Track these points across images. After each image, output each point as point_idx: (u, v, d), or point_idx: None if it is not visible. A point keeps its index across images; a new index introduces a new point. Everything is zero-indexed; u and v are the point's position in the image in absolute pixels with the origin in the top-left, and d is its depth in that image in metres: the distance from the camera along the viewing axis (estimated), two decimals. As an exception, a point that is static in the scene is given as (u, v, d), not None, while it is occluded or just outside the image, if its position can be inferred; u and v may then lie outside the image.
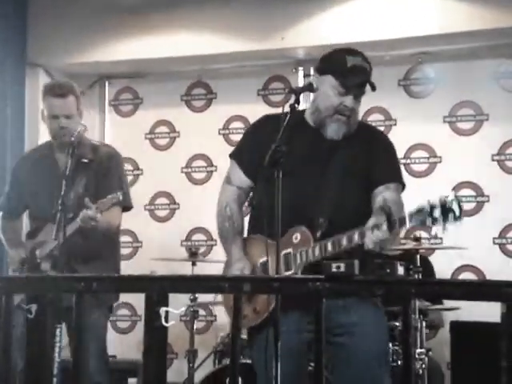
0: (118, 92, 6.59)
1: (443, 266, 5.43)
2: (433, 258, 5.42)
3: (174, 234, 6.25)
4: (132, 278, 2.52)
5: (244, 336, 3.25)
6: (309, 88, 3.11)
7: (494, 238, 5.60)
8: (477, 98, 5.72)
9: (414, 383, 4.22)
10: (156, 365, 2.38)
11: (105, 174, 4.02)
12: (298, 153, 3.11)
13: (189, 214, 6.24)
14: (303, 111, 3.25)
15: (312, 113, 3.22)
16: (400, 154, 3.60)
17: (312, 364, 2.42)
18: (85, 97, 6.10)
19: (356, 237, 2.91)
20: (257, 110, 3.51)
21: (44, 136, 4.20)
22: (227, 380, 4.15)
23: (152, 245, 6.26)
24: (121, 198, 3.75)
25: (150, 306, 2.35)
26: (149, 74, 6.43)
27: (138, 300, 4.18)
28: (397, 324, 4.52)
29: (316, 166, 3.16)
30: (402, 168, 3.43)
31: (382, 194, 3.08)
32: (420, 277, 4.60)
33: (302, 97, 3.04)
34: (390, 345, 4.34)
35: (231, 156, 3.36)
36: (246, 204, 3.34)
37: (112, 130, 6.51)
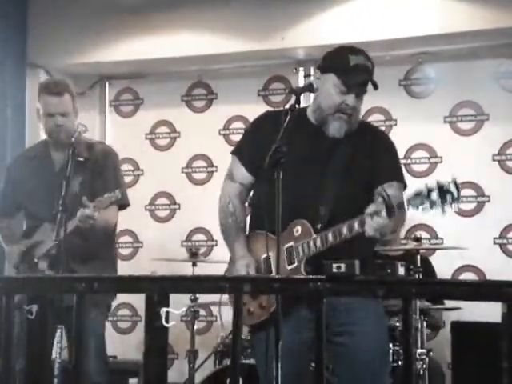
0: (118, 92, 6.58)
1: (444, 267, 5.42)
2: (433, 259, 5.41)
3: (175, 234, 6.25)
4: (132, 278, 2.51)
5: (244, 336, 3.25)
6: (309, 88, 3.11)
7: (495, 238, 5.59)
8: (477, 98, 5.71)
9: (415, 383, 4.23)
10: (157, 365, 2.38)
11: (100, 172, 4.01)
12: (299, 151, 3.12)
13: (189, 214, 6.24)
14: (305, 109, 3.25)
15: (314, 111, 3.22)
16: (400, 154, 3.60)
17: (313, 364, 2.42)
18: (85, 97, 6.12)
19: (356, 225, 2.92)
20: (257, 111, 3.50)
21: (44, 136, 4.18)
22: (228, 380, 4.15)
23: (152, 245, 6.25)
24: (119, 196, 3.75)
25: (151, 306, 2.35)
26: (149, 75, 6.42)
27: (138, 300, 4.20)
28: (397, 324, 4.52)
29: (317, 165, 3.16)
30: (403, 168, 3.43)
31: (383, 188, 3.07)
32: (420, 277, 4.59)
33: (302, 97, 3.03)
34: (391, 345, 4.34)
35: (233, 152, 3.37)
36: (246, 204, 3.34)
37: (112, 130, 6.50)
